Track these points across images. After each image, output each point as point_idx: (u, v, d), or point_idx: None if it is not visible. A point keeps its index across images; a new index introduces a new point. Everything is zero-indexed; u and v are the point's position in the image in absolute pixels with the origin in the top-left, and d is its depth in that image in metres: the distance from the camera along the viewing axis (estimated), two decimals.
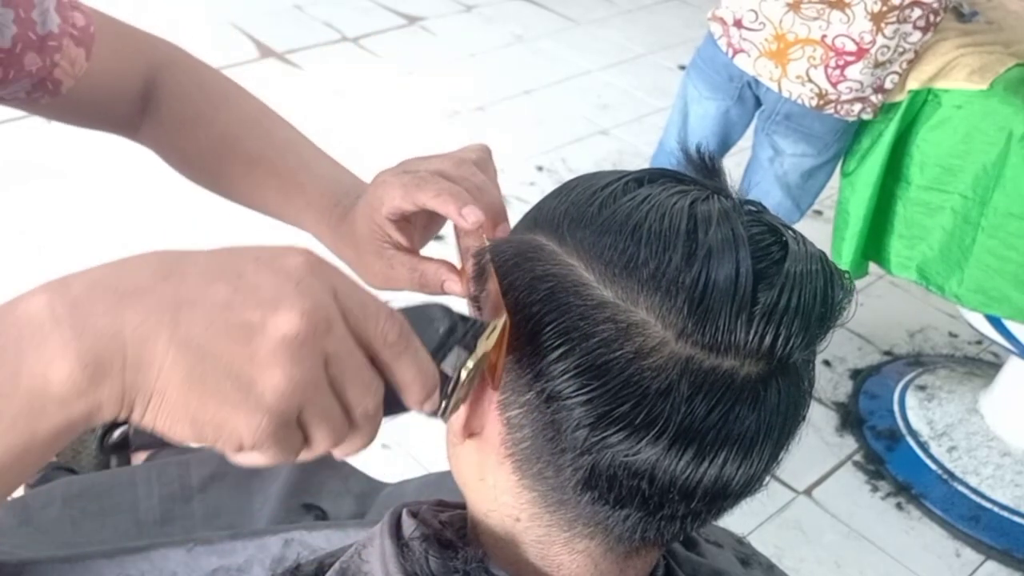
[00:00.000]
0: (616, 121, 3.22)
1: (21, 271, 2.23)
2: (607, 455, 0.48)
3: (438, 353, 0.45)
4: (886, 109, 1.83)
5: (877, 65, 1.74)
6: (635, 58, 3.65)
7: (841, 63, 1.75)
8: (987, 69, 1.73)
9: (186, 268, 0.38)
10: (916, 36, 1.73)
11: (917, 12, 1.69)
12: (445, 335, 0.46)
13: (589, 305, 0.48)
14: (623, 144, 3.08)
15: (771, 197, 1.97)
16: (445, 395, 0.46)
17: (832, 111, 1.81)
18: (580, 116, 3.23)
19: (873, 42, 1.71)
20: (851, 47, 1.73)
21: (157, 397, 0.37)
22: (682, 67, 2.20)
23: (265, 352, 0.37)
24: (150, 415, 0.37)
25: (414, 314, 0.45)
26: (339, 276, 0.41)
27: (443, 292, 0.70)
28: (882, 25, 1.70)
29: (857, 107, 1.80)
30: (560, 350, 0.48)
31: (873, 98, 1.81)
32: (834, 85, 1.77)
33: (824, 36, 1.74)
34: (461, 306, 0.55)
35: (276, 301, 0.38)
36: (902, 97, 1.80)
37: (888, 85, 1.80)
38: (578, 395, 0.48)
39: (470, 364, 0.47)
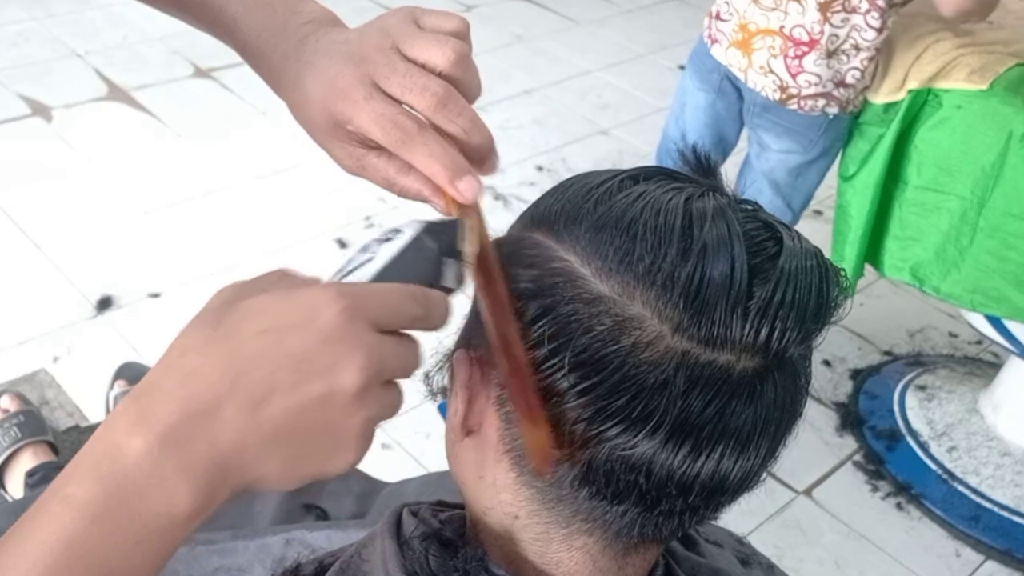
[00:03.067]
0: (616, 121, 3.22)
1: (21, 271, 2.23)
2: (604, 449, 0.49)
3: (437, 279, 0.50)
4: (884, 110, 1.83)
5: (829, 55, 1.76)
6: (635, 58, 3.65)
7: (798, 53, 1.78)
8: (987, 69, 1.73)
9: (245, 363, 0.42)
10: (871, 35, 1.75)
11: (865, 5, 1.72)
12: (436, 263, 0.50)
13: (585, 300, 0.48)
14: (623, 144, 3.08)
15: (762, 196, 1.98)
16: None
17: (796, 107, 1.83)
18: (580, 116, 3.23)
19: (822, 32, 1.74)
20: (805, 37, 1.76)
21: (262, 481, 0.44)
22: (682, 67, 2.21)
23: (341, 413, 0.43)
24: (257, 488, 0.44)
25: (412, 253, 0.49)
26: (369, 303, 0.45)
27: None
28: (828, 14, 1.73)
29: (821, 102, 1.83)
30: (555, 345, 0.49)
31: (836, 92, 1.83)
32: (794, 77, 1.80)
33: (782, 26, 1.77)
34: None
35: (333, 366, 0.43)
36: (901, 96, 1.80)
37: (850, 80, 1.81)
38: (575, 389, 0.48)
39: (465, 274, 0.52)
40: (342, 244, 2.46)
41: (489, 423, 0.54)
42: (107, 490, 0.40)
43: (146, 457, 0.40)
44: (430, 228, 0.50)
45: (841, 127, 1.90)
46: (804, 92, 1.81)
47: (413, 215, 0.54)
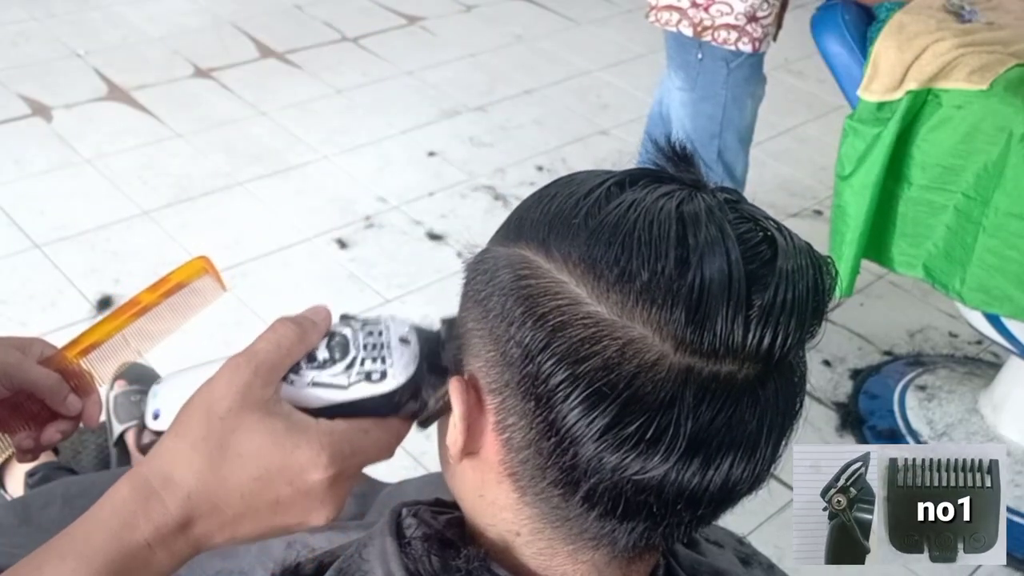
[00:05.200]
0: (616, 121, 3.22)
1: (21, 270, 2.23)
2: (615, 474, 0.48)
3: (396, 413, 0.57)
4: (878, 108, 1.82)
5: None
6: (635, 58, 3.65)
7: None
8: (987, 69, 1.73)
9: (236, 502, 0.52)
10: None
11: None
12: (400, 406, 0.56)
13: (586, 325, 0.47)
14: (623, 144, 3.07)
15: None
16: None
17: (654, 20, 1.94)
18: (580, 116, 3.23)
19: None
20: None
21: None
22: None
23: (301, 530, 0.55)
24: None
25: (387, 399, 0.56)
26: (353, 463, 0.54)
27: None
28: None
29: (675, 16, 1.91)
30: (559, 376, 0.47)
31: (690, 12, 1.89)
32: (706, 9, 1.86)
33: None
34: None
35: (306, 513, 0.54)
36: (897, 96, 1.80)
37: (760, 13, 1.85)
38: (582, 419, 0.47)
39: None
40: (342, 244, 2.46)
41: (489, 447, 0.53)
42: (113, 567, 0.50)
43: (144, 549, 0.51)
44: (417, 373, 0.56)
45: (717, 71, 1.95)
46: (660, 3, 1.91)
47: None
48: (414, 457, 1.87)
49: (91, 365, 0.72)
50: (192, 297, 0.73)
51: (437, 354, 0.56)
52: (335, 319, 0.58)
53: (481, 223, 2.55)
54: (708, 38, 1.91)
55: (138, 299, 0.72)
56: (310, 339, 0.56)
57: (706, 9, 1.88)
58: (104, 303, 2.16)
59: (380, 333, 0.56)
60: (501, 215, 0.50)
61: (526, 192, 0.57)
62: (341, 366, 0.55)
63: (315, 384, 0.54)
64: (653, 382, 0.46)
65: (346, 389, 0.54)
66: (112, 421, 1.56)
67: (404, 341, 0.56)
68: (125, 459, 1.52)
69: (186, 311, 0.73)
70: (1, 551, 0.89)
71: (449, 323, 0.57)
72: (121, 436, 1.53)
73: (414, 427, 0.59)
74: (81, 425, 0.72)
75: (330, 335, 0.56)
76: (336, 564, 0.60)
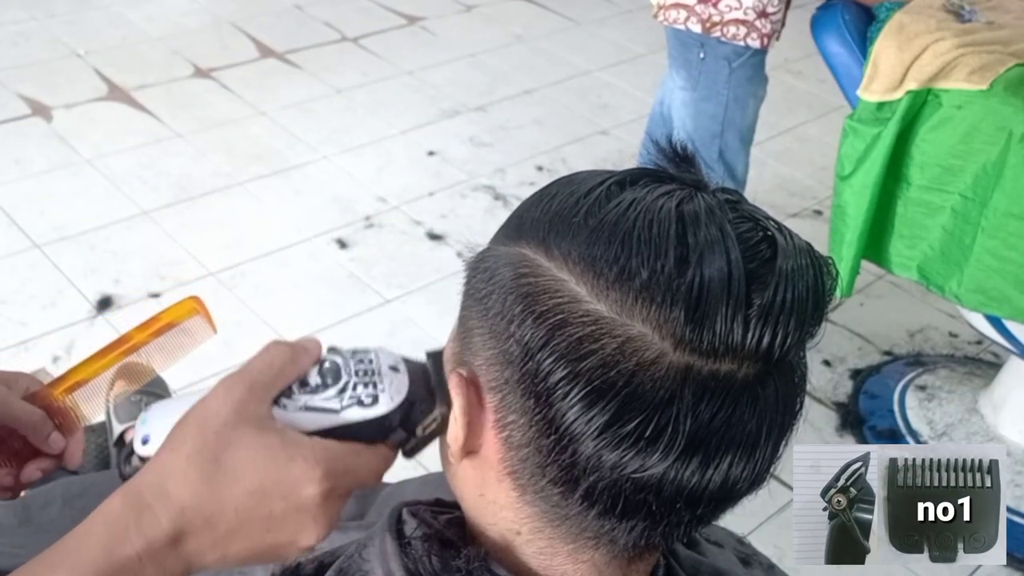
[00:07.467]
0: (616, 121, 3.22)
1: (21, 271, 2.23)
2: (614, 472, 0.48)
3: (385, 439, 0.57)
4: (878, 108, 1.82)
5: None
6: (635, 58, 3.65)
7: None
8: (987, 69, 1.73)
9: (228, 516, 0.52)
10: None
11: None
12: (391, 431, 0.57)
13: (585, 323, 0.47)
14: (623, 144, 3.08)
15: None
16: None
17: (662, 19, 1.95)
18: (580, 116, 3.23)
19: None
20: None
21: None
22: None
23: (293, 553, 0.54)
24: None
25: (378, 425, 0.56)
26: (346, 482, 0.54)
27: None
28: None
29: (683, 14, 1.91)
30: (558, 373, 0.48)
31: (698, 8, 1.89)
32: (715, 5, 1.86)
33: None
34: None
35: (298, 531, 0.53)
36: (897, 96, 1.80)
37: (771, 9, 1.86)
38: (581, 417, 0.47)
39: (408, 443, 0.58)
40: (342, 244, 2.46)
41: (489, 445, 0.53)
42: None
43: (134, 562, 0.50)
44: (408, 400, 0.56)
45: (719, 70, 1.96)
46: (668, 2, 1.91)
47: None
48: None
49: (76, 403, 0.71)
50: (182, 337, 0.72)
51: (426, 385, 0.57)
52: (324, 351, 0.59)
53: (481, 223, 2.55)
54: (717, 34, 1.90)
55: (127, 337, 0.71)
56: (302, 362, 0.56)
57: (715, 5, 1.88)
58: (104, 303, 2.16)
59: (370, 361, 0.57)
60: (501, 215, 0.50)
61: (526, 192, 0.57)
62: (333, 391, 0.55)
63: (307, 408, 0.55)
64: (652, 380, 0.46)
65: (338, 413, 0.55)
66: (112, 421, 1.55)
67: (394, 369, 0.57)
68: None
69: (175, 351, 0.73)
70: (1, 551, 0.89)
71: (435, 356, 0.58)
72: (121, 436, 1.53)
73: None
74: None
75: (321, 362, 0.57)
76: (336, 564, 0.60)
